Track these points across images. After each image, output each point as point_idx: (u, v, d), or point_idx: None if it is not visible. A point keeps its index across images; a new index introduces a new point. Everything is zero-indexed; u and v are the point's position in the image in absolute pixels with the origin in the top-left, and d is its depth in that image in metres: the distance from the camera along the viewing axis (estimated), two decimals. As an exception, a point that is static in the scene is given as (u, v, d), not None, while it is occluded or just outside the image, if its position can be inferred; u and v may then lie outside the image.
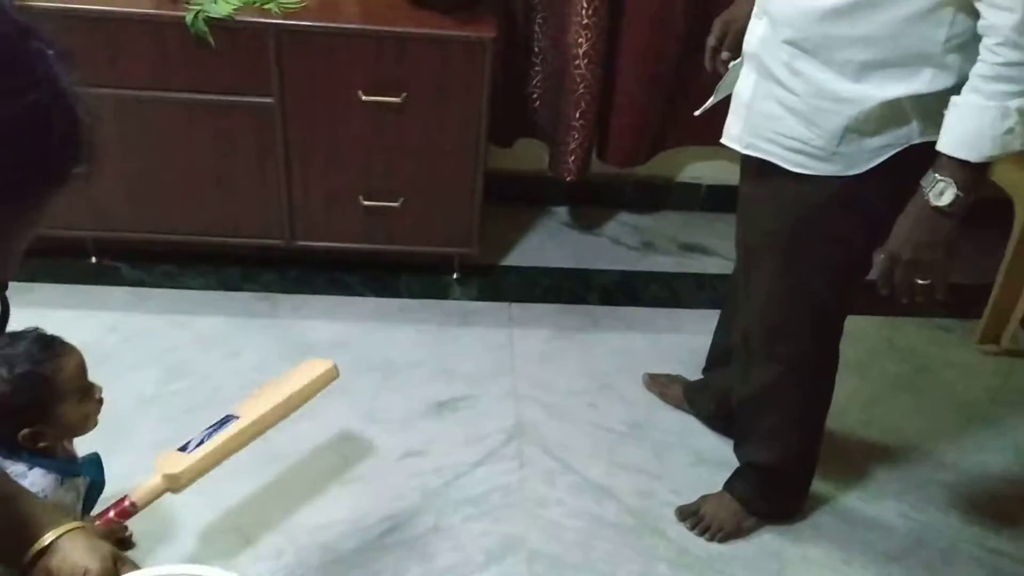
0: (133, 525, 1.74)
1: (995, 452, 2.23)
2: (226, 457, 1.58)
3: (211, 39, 2.05)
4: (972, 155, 1.31)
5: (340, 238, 2.42)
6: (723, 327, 2.07)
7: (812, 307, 1.67)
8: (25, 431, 1.38)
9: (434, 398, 2.20)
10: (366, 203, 2.34)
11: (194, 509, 1.85)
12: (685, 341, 2.37)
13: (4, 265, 0.66)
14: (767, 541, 1.97)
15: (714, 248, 2.78)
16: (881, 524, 2.03)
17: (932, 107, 1.35)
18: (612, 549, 1.91)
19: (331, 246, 2.44)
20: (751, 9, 1.52)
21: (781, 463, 1.91)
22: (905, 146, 1.42)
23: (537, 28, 2.49)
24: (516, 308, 2.50)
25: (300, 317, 2.39)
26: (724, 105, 1.67)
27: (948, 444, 2.24)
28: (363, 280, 2.52)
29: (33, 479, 1.37)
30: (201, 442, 1.56)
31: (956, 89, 1.32)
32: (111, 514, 1.48)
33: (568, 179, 2.61)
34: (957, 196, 1.33)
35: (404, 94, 2.18)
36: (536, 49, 2.53)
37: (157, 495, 1.52)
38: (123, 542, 1.73)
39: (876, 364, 2.44)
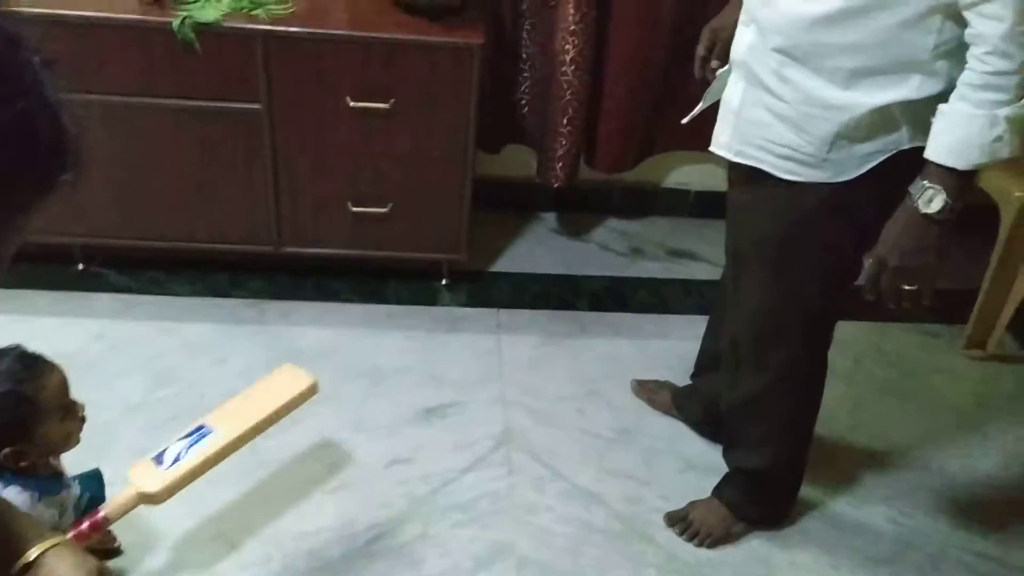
0: (120, 534, 1.73)
1: (982, 457, 2.24)
2: (202, 473, 1.57)
3: (198, 45, 2.05)
4: (960, 163, 1.31)
5: (328, 244, 2.42)
6: (711, 333, 2.07)
7: (802, 313, 1.67)
8: (7, 450, 1.37)
9: (422, 404, 2.20)
10: (354, 209, 2.34)
11: (180, 516, 1.83)
12: (673, 347, 2.38)
13: None
14: (755, 547, 1.97)
15: (702, 254, 2.79)
16: (869, 529, 2.03)
17: (921, 113, 1.36)
18: (601, 555, 1.90)
19: (319, 252, 2.44)
20: (739, 17, 1.53)
21: (770, 468, 1.91)
22: (894, 152, 1.43)
23: (525, 34, 2.49)
24: (504, 314, 2.50)
25: (288, 323, 2.38)
26: (712, 111, 1.67)
27: (935, 449, 2.25)
28: (351, 286, 2.52)
29: (8, 497, 1.36)
30: (177, 456, 1.55)
31: (944, 95, 1.33)
32: (84, 526, 1.48)
33: (556, 185, 2.62)
34: (946, 203, 1.34)
35: (392, 100, 2.18)
36: (524, 55, 2.53)
37: (130, 509, 1.52)
38: (111, 552, 1.72)
39: (864, 369, 2.45)
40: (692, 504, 1.99)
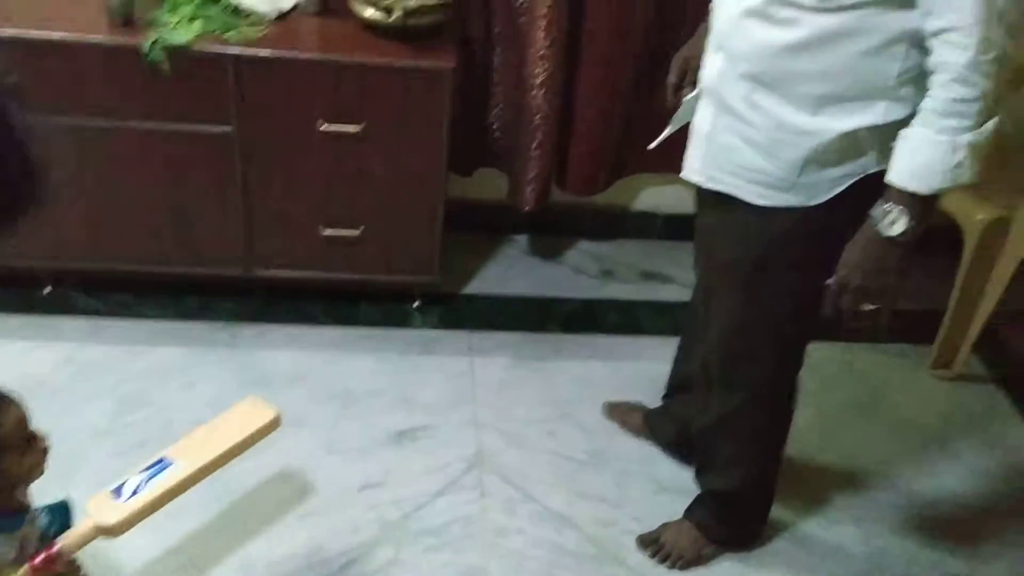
0: (85, 565, 1.70)
1: (950, 476, 2.27)
2: (162, 505, 1.55)
3: (168, 67, 2.04)
4: (922, 187, 1.34)
5: (300, 267, 2.41)
6: (682, 354, 2.08)
7: (773, 336, 1.69)
8: None
9: (394, 427, 2.19)
10: (326, 232, 2.33)
11: (147, 545, 1.81)
12: (645, 368, 2.38)
13: None
14: (727, 568, 1.97)
15: (673, 276, 2.80)
16: (839, 549, 2.04)
17: (888, 137, 1.38)
18: (573, 578, 1.90)
19: (291, 275, 2.43)
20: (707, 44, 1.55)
21: (741, 490, 1.92)
22: (862, 175, 1.45)
23: (496, 58, 2.51)
24: (477, 336, 2.50)
25: (259, 347, 2.37)
26: (680, 135, 1.69)
27: (904, 469, 2.27)
28: (323, 309, 2.51)
29: None
30: (136, 489, 1.53)
31: (910, 120, 1.36)
32: (38, 560, 1.45)
33: (526, 209, 2.63)
34: (908, 226, 1.36)
35: (364, 123, 2.18)
36: (496, 79, 2.55)
37: (87, 541, 1.49)
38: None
39: (832, 390, 2.47)
40: (664, 526, 1.99)
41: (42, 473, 1.46)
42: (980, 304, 2.42)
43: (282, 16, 2.23)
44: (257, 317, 2.46)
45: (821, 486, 2.19)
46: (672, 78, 1.78)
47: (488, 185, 2.75)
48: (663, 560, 1.95)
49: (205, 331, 2.39)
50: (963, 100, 1.28)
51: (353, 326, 2.48)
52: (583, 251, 2.90)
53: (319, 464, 2.07)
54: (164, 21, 2.09)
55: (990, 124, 1.30)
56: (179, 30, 2.06)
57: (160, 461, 1.60)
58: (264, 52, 2.09)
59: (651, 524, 2.01)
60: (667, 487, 2.12)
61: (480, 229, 2.86)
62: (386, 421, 2.20)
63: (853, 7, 1.32)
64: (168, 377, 2.24)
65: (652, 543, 1.97)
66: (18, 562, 1.41)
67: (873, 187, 1.41)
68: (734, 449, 1.87)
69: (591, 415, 2.29)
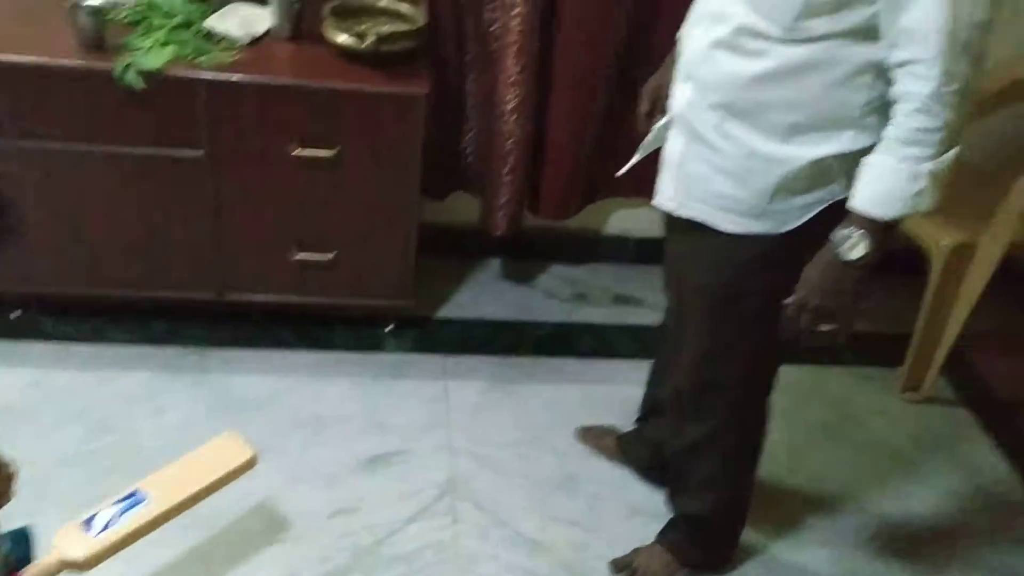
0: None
1: (918, 499, 2.29)
2: (133, 542, 1.54)
3: (140, 92, 2.04)
4: (883, 213, 1.37)
5: (272, 291, 2.40)
6: (654, 378, 2.09)
7: (744, 361, 1.70)
8: None
9: (366, 452, 2.18)
10: (298, 256, 2.33)
11: (116, 574, 1.78)
12: (618, 392, 2.39)
13: None
14: (699, 592, 1.98)
15: (645, 299, 2.82)
16: (809, 572, 2.05)
17: (855, 165, 1.40)
18: (546, 604, 1.90)
19: (262, 299, 2.42)
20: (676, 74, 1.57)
21: (712, 513, 1.93)
22: (831, 201, 1.47)
23: (470, 84, 2.53)
24: (450, 360, 2.50)
25: (229, 372, 2.35)
26: (651, 160, 1.71)
27: (874, 491, 2.29)
28: (295, 333, 2.50)
29: None
30: (108, 523, 1.51)
31: (875, 148, 1.38)
32: None
33: (497, 234, 2.64)
34: (868, 251, 1.39)
35: (337, 148, 2.18)
36: (469, 104, 2.56)
37: (53, 575, 1.48)
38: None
39: (803, 412, 2.49)
40: (636, 551, 1.99)
41: (9, 499, 1.45)
42: (947, 327, 2.45)
43: (255, 41, 2.23)
44: (228, 342, 2.44)
45: (791, 509, 2.20)
46: (643, 107, 1.80)
47: (462, 209, 2.76)
48: (636, 584, 1.95)
49: (175, 356, 2.38)
50: (925, 130, 1.31)
51: (326, 350, 2.47)
52: (556, 275, 2.91)
53: (291, 490, 2.05)
54: (136, 45, 2.08)
55: (951, 153, 1.33)
56: (151, 55, 2.06)
57: (133, 494, 1.58)
58: (236, 77, 2.09)
59: (624, 548, 2.01)
60: (640, 511, 2.13)
61: (454, 253, 2.86)
62: (359, 446, 2.19)
63: (820, 39, 1.34)
64: (137, 402, 2.22)
65: (625, 567, 1.97)
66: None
67: (841, 213, 1.43)
68: (707, 473, 1.87)
69: (564, 439, 2.29)
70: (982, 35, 1.26)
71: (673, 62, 1.62)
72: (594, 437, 2.28)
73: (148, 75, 2.03)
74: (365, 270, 2.40)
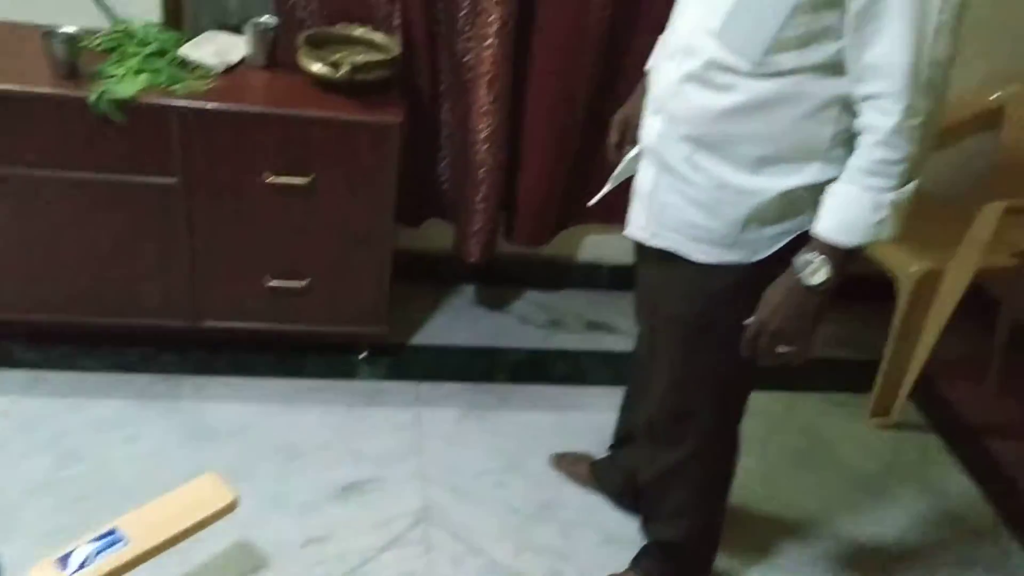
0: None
1: (890, 524, 2.31)
2: None
3: (113, 120, 2.04)
4: (846, 240, 1.39)
5: (245, 318, 2.40)
6: (628, 405, 2.11)
7: (717, 390, 1.72)
8: None
9: (340, 481, 2.17)
10: (272, 283, 2.33)
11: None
12: (592, 419, 2.40)
13: None
14: (673, 619, 1.98)
15: (619, 326, 2.84)
16: (783, 598, 2.07)
17: (822, 195, 1.43)
18: (520, 633, 1.90)
19: (236, 326, 2.41)
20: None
21: (686, 540, 1.93)
22: (800, 231, 1.50)
23: (444, 113, 2.55)
24: (424, 387, 2.50)
25: (202, 399, 2.34)
26: (623, 189, 1.73)
27: (845, 517, 2.31)
28: (268, 361, 2.49)
29: None
30: (84, 562, 1.50)
31: (839, 177, 1.41)
32: None
33: (470, 261, 2.65)
34: (828, 276, 1.41)
35: (311, 176, 2.19)
36: (443, 132, 2.58)
37: None
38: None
39: (774, 438, 2.51)
40: (610, 578, 2.00)
41: None
42: (915, 354, 2.48)
43: (229, 69, 2.24)
44: (201, 369, 2.43)
45: (763, 534, 2.22)
46: (613, 138, 1.83)
47: (436, 235, 2.77)
48: (610, 612, 1.95)
49: (147, 383, 2.36)
50: (888, 161, 1.34)
51: (299, 378, 2.46)
52: (530, 301, 2.92)
53: (263, 519, 2.04)
54: (109, 73, 2.09)
55: (911, 185, 1.36)
56: (125, 83, 2.06)
57: (111, 532, 1.57)
58: (211, 105, 2.09)
59: (598, 575, 2.01)
60: (614, 538, 2.13)
61: (428, 279, 2.87)
62: (332, 474, 2.18)
63: (789, 73, 1.37)
64: (109, 430, 2.20)
65: (599, 595, 1.98)
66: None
67: (807, 242, 1.46)
68: (680, 500, 1.88)
69: (538, 466, 2.30)
70: (945, 72, 1.30)
71: (642, 93, 1.64)
72: (568, 464, 2.29)
73: (122, 103, 2.03)
74: (339, 297, 2.40)
